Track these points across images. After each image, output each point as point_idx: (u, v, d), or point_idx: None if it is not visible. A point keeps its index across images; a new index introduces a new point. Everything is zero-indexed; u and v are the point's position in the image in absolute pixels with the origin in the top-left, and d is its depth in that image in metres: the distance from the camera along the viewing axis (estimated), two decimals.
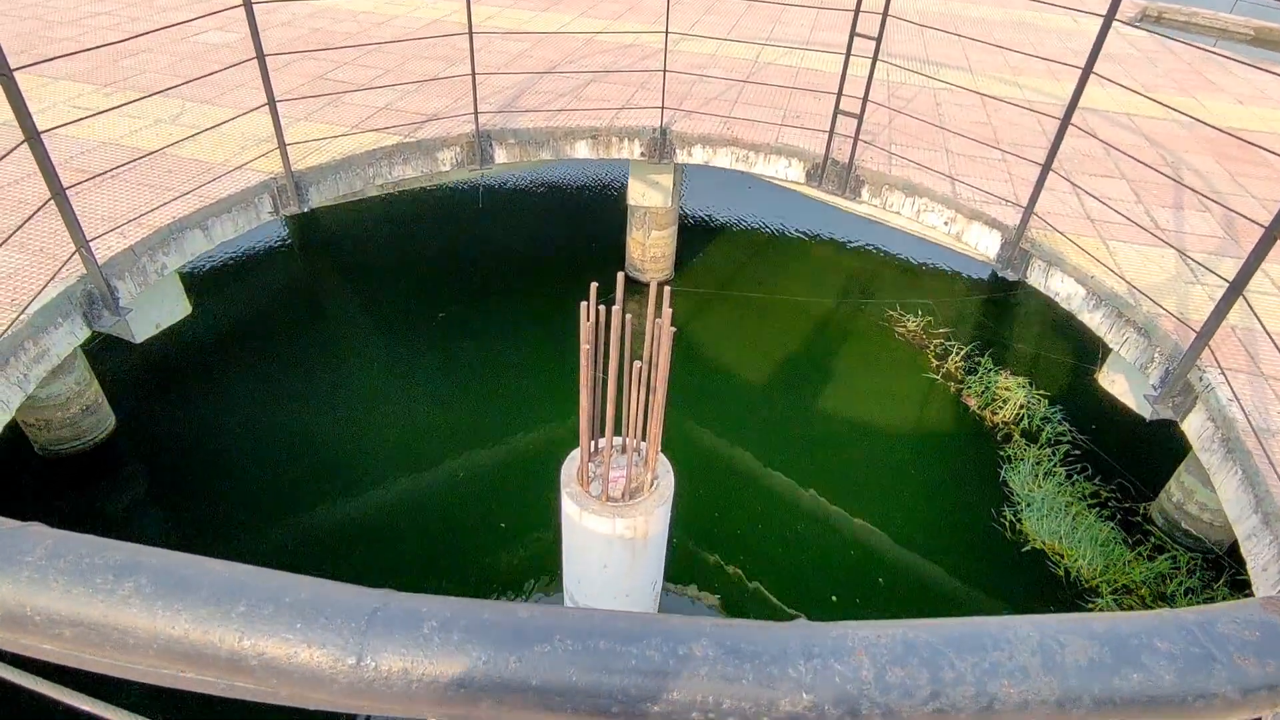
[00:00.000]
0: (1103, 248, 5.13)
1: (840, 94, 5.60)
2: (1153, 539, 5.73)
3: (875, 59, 5.35)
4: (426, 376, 7.01)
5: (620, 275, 3.62)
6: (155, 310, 5.37)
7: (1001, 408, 6.84)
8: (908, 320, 7.92)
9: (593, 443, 4.15)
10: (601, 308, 3.60)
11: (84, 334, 4.30)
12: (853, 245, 9.28)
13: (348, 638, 0.49)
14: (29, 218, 3.91)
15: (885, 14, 5.05)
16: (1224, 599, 5.28)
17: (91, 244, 4.12)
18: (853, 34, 5.32)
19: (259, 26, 4.67)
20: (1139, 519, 5.92)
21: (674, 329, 3.49)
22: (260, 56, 4.75)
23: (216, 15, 7.93)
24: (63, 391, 5.69)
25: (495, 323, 7.62)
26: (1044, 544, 5.68)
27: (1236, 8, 13.26)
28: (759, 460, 6.36)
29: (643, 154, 6.47)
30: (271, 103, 4.98)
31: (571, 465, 4.24)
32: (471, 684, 0.48)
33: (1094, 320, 4.87)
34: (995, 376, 7.15)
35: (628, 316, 3.50)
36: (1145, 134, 7.12)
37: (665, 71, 6.25)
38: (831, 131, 5.85)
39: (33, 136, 3.64)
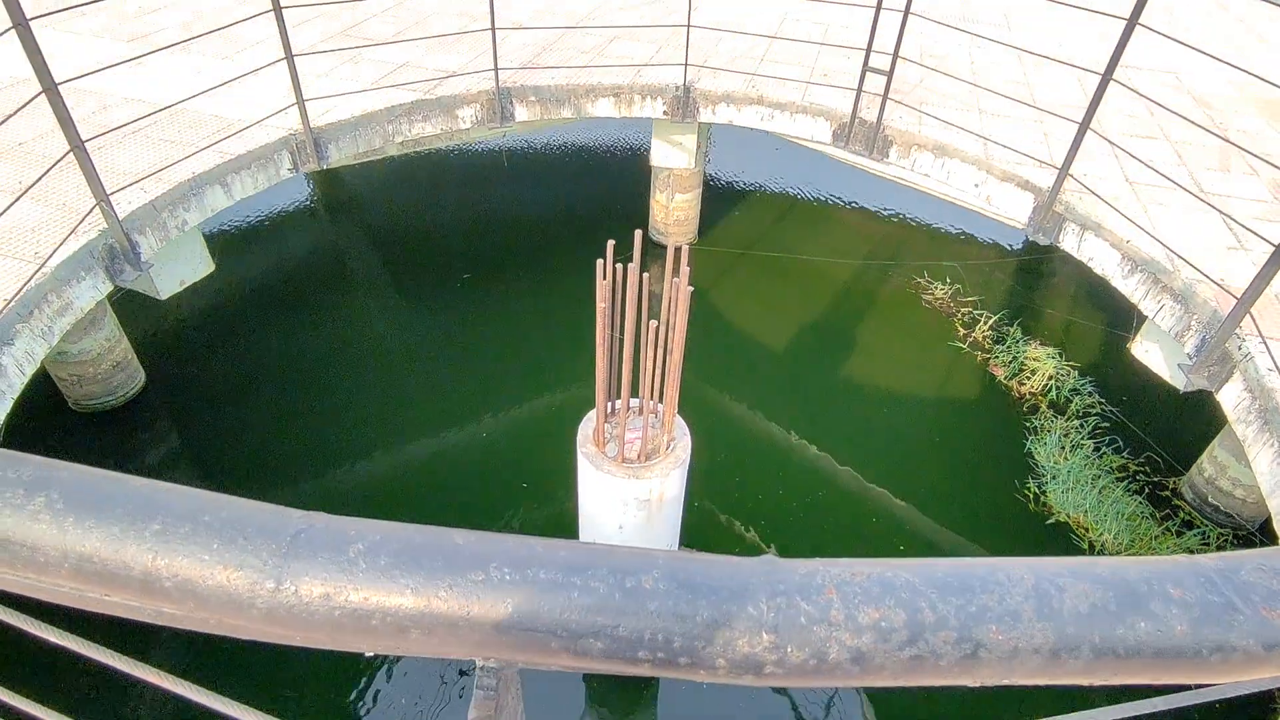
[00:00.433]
0: (1141, 211, 4.92)
1: (870, 50, 5.40)
2: (1182, 514, 5.60)
3: (906, 14, 5.13)
4: (451, 336, 7.02)
5: (638, 233, 3.54)
6: (179, 267, 5.40)
7: (1029, 378, 6.68)
8: (935, 287, 7.73)
9: (609, 404, 4.11)
10: (619, 267, 3.53)
11: (106, 288, 4.34)
12: (881, 210, 9.06)
13: (266, 559, 0.45)
14: (48, 170, 3.93)
15: None
16: None
17: (112, 198, 4.13)
18: None
19: None
20: (1168, 494, 5.77)
21: (691, 289, 3.42)
22: (278, 11, 4.68)
23: None
24: (93, 347, 5.78)
25: (518, 284, 7.59)
26: (1068, 517, 5.57)
27: None
28: (781, 425, 6.29)
29: (665, 112, 6.32)
30: (290, 58, 4.92)
31: (588, 426, 4.21)
32: (397, 613, 0.44)
33: (1129, 287, 4.69)
34: (1024, 346, 6.98)
35: (644, 275, 3.43)
36: (1192, 93, 6.79)
37: (689, 27, 6.07)
38: (859, 90, 5.66)
39: (51, 88, 3.63)
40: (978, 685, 0.44)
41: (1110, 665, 0.43)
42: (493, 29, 5.63)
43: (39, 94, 3.62)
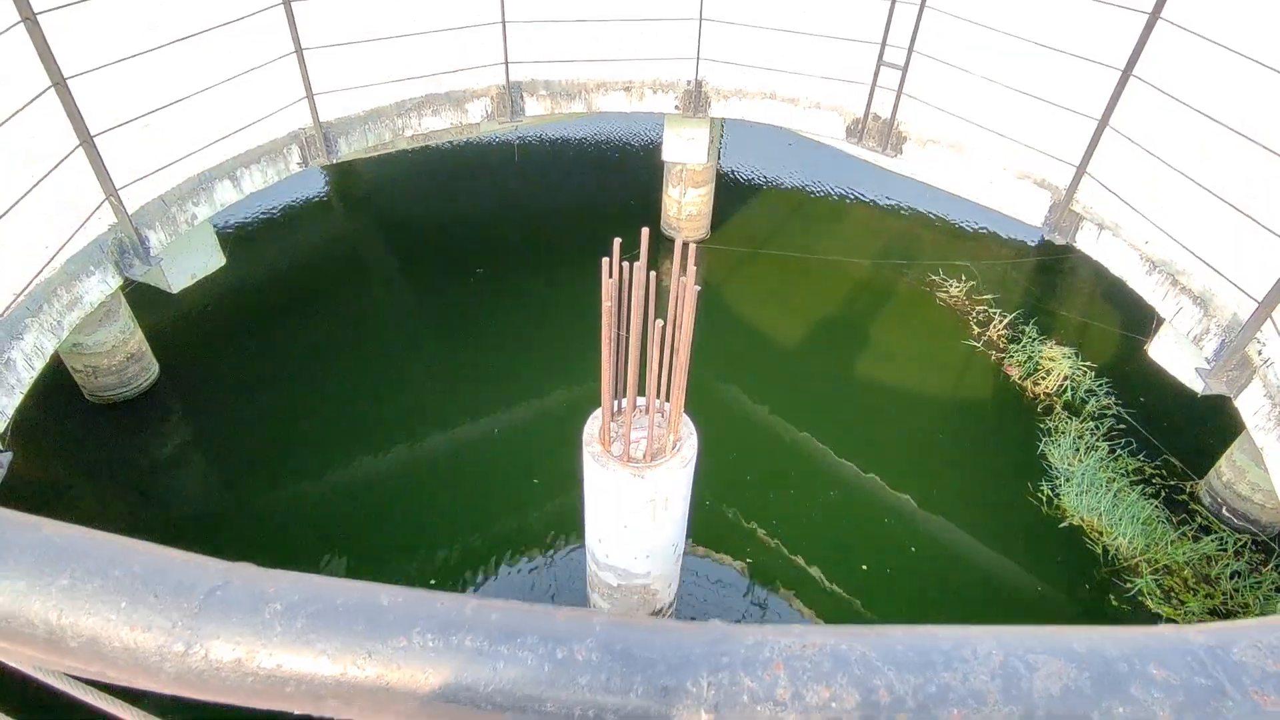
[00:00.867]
0: (1160, 210, 4.81)
1: (884, 44, 5.31)
2: (1199, 519, 5.49)
3: (923, 7, 5.04)
4: (464, 329, 7.01)
5: (645, 231, 3.50)
6: (189, 261, 5.43)
7: (1044, 378, 6.57)
8: (950, 285, 7.62)
9: (615, 402, 4.08)
10: (626, 265, 3.49)
11: (116, 282, 4.36)
12: (895, 205, 8.94)
13: (176, 620, 0.42)
14: (57, 164, 3.94)
15: None
16: (1272, 584, 5.05)
17: (121, 193, 4.15)
18: None
19: None
20: (1185, 498, 5.67)
21: (698, 287, 3.37)
22: (288, 4, 4.67)
23: None
24: (107, 339, 5.83)
25: (530, 279, 7.56)
26: (1082, 520, 5.49)
27: None
28: (790, 424, 6.24)
29: (677, 106, 6.26)
30: (299, 52, 4.91)
31: (594, 424, 4.18)
32: (312, 681, 0.41)
33: (1147, 287, 4.60)
34: (1039, 346, 6.87)
35: (651, 273, 3.39)
36: (1219, 87, 6.63)
37: (701, 20, 6.00)
38: (874, 84, 5.57)
39: (59, 82, 3.64)
40: None
41: None
42: (503, 21, 5.60)
43: (48, 88, 3.63)
